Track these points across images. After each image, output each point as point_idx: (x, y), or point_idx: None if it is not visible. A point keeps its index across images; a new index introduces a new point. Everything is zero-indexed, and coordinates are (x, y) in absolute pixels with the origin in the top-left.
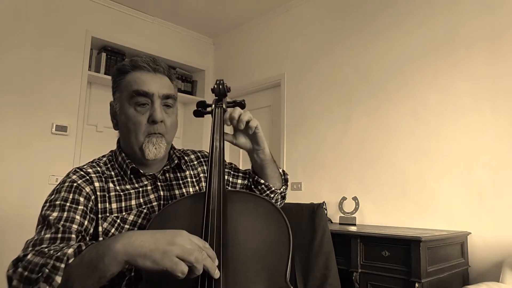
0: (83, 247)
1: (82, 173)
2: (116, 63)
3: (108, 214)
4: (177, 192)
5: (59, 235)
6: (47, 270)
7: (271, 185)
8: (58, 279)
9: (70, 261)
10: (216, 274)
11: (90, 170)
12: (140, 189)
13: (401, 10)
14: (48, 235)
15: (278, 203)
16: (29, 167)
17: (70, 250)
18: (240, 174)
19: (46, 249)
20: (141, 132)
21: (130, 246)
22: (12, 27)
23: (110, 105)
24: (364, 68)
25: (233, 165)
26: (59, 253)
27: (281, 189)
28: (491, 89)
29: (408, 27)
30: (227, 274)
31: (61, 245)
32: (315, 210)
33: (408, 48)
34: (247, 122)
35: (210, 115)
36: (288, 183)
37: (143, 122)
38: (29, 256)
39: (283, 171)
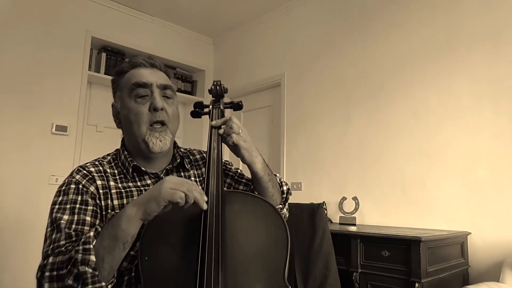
0: (99, 229)
1: (85, 172)
2: (116, 63)
3: (109, 211)
4: None
5: (74, 239)
6: (79, 255)
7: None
8: (93, 257)
9: (94, 242)
10: (204, 206)
11: (92, 169)
12: (142, 188)
13: (401, 10)
14: (63, 242)
15: None
16: (29, 167)
17: (91, 233)
18: (244, 181)
19: (63, 248)
20: (143, 122)
21: (137, 203)
22: (12, 27)
23: (112, 106)
24: (364, 68)
25: (239, 170)
26: (83, 239)
27: (277, 207)
28: (491, 89)
29: (408, 27)
30: (226, 274)
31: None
32: (315, 210)
33: (408, 48)
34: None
35: (207, 116)
36: (287, 203)
37: (145, 112)
38: (50, 259)
39: (288, 189)
